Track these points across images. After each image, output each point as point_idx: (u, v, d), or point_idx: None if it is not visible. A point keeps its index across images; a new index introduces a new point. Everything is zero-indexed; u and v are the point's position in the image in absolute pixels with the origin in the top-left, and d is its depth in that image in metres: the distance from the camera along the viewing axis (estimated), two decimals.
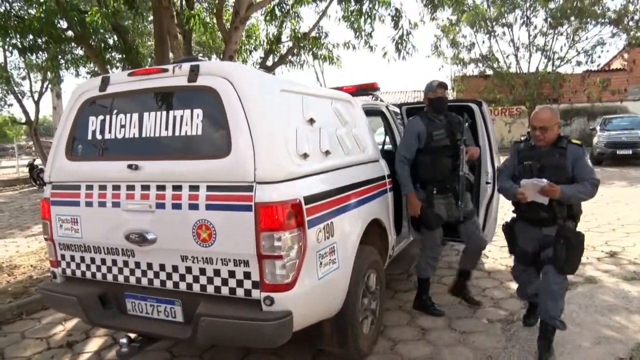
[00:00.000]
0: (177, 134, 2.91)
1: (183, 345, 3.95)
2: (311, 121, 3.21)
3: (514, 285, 5.04)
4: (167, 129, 2.95)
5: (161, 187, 2.92)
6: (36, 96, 19.59)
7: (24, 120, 20.46)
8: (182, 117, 2.90)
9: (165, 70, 3.01)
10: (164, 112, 2.98)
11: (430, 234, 4.36)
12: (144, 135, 3.03)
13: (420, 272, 4.50)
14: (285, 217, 2.65)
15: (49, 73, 16.44)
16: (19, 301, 5.04)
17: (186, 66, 2.91)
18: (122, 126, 3.12)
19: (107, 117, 3.20)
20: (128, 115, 3.11)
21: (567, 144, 3.44)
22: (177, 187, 2.87)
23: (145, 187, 2.97)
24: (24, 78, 19.37)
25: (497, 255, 6.26)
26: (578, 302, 4.57)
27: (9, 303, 4.98)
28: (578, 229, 3.51)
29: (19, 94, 18.79)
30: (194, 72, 2.87)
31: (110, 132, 3.17)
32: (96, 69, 11.39)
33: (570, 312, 4.32)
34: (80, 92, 3.35)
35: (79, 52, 10.36)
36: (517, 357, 3.60)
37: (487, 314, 4.40)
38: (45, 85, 19.30)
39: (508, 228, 3.84)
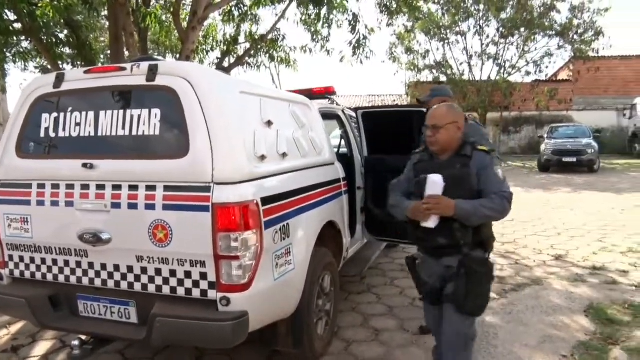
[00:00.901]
0: (134, 133, 2.88)
1: (136, 347, 3.91)
2: (269, 123, 3.24)
3: None
4: (124, 128, 2.92)
5: (117, 187, 2.88)
6: None
7: None
8: (139, 116, 2.88)
9: (123, 69, 2.98)
10: (121, 111, 2.94)
11: None
12: (99, 134, 2.99)
13: None
14: (243, 218, 2.67)
15: None
16: None
17: (145, 65, 2.89)
18: (77, 124, 3.06)
19: (61, 114, 3.13)
20: (83, 114, 3.05)
21: (472, 151, 2.74)
22: (133, 187, 2.84)
23: (101, 187, 2.93)
24: None
25: None
26: (525, 303, 4.77)
27: None
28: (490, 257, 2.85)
29: None
30: (152, 72, 2.85)
31: (64, 130, 3.10)
32: (45, 63, 11.06)
33: (517, 312, 4.51)
34: (33, 88, 3.27)
35: (27, 45, 10.02)
36: None
37: None
38: None
39: (411, 261, 3.03)
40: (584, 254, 6.53)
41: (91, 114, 3.04)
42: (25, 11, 6.89)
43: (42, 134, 3.19)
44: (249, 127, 3.00)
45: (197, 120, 2.71)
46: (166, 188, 2.76)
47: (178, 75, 2.81)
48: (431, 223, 2.63)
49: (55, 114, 3.16)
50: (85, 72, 3.13)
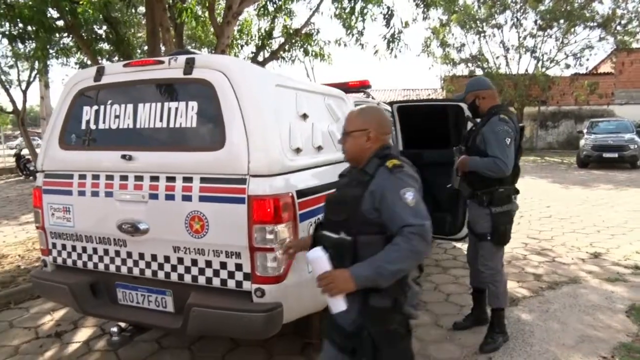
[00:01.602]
0: (171, 125, 2.93)
1: (171, 336, 3.98)
2: (304, 116, 3.25)
3: None
4: (161, 120, 2.97)
5: (155, 178, 2.94)
6: (24, 85, 19.39)
7: (10, 109, 20.23)
8: (177, 109, 2.92)
9: (161, 62, 3.03)
10: (159, 104, 2.99)
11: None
12: (138, 126, 3.05)
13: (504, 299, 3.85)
14: (278, 211, 2.68)
15: (37, 62, 16.27)
16: (6, 290, 5.04)
17: (182, 58, 2.94)
18: (117, 116, 3.13)
19: (102, 107, 3.21)
20: (122, 106, 3.13)
21: (377, 167, 2.09)
22: (170, 179, 2.89)
23: (139, 178, 3.00)
24: (11, 67, 19.16)
25: None
26: (562, 301, 4.66)
27: None
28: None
29: (6, 83, 18.59)
30: (189, 65, 2.89)
31: (104, 122, 3.18)
32: (85, 59, 11.32)
33: (554, 310, 4.41)
34: (75, 82, 3.36)
35: (68, 41, 10.28)
36: (502, 354, 3.66)
37: None
38: (33, 75, 19.10)
39: None
40: (625, 253, 6.33)
41: (130, 107, 3.10)
42: (67, 8, 7.07)
43: (83, 126, 3.28)
44: (285, 120, 3.01)
45: (234, 113, 2.73)
46: (202, 180, 2.79)
47: (215, 68, 2.84)
48: (341, 306, 1.98)
49: (95, 107, 3.24)
50: (125, 65, 3.19)
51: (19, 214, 10.50)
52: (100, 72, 3.25)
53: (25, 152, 18.90)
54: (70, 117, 3.35)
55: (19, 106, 19.64)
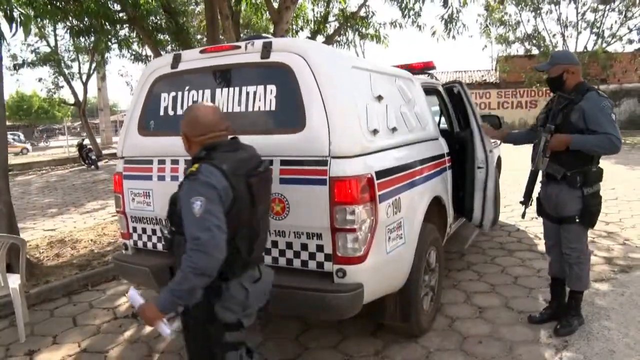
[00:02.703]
0: (250, 109, 2.97)
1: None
2: (379, 98, 3.23)
3: None
4: (239, 104, 3.01)
5: None
6: (84, 78, 20.16)
7: (72, 101, 21.12)
8: (255, 92, 2.95)
9: (238, 47, 3.06)
10: (237, 88, 3.03)
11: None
12: None
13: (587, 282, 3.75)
14: (359, 192, 2.69)
15: (96, 55, 16.86)
16: (84, 273, 5.28)
17: (259, 43, 2.96)
18: (194, 102, 3.20)
19: (179, 93, 3.28)
20: (200, 92, 3.19)
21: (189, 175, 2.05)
22: None
23: None
24: (73, 60, 19.94)
25: None
26: (638, 285, 4.48)
27: (75, 275, 5.22)
28: None
29: (68, 76, 19.38)
30: (267, 49, 2.91)
31: (182, 108, 3.25)
32: (140, 50, 11.60)
33: (630, 294, 4.26)
34: (152, 69, 3.45)
35: (126, 33, 10.56)
36: (578, 337, 3.57)
37: (543, 295, 4.36)
38: (92, 67, 19.83)
39: None
40: None
41: (207, 92, 3.16)
42: (129, 1, 7.28)
43: (162, 113, 3.36)
44: (362, 101, 3.00)
45: (313, 95, 2.74)
46: (283, 162, 2.82)
47: (292, 52, 2.85)
48: (164, 331, 2.05)
49: (173, 93, 3.31)
50: (201, 51, 3.25)
51: (85, 201, 10.99)
52: (177, 59, 3.32)
53: (86, 141, 19.69)
54: (149, 104, 3.44)
55: (80, 98, 20.49)
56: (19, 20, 3.58)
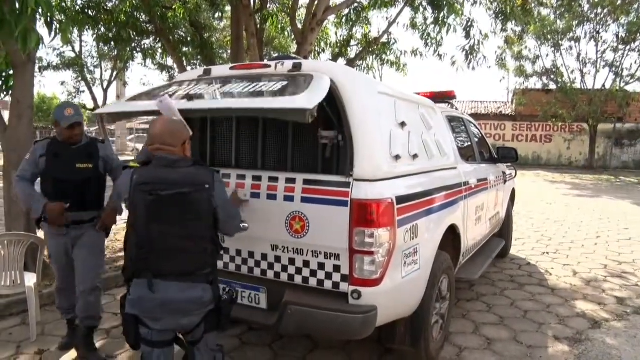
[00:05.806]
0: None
1: (252, 333, 4.08)
2: (402, 124, 3.28)
3: (579, 304, 4.98)
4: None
5: (257, 178, 3.05)
6: (105, 84, 20.50)
7: (91, 106, 21.42)
8: None
9: (268, 66, 3.13)
10: None
11: None
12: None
13: None
14: (380, 215, 2.72)
15: (119, 62, 17.15)
16: None
17: (289, 63, 3.03)
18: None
19: None
20: None
21: None
22: (273, 179, 2.99)
23: (241, 177, 3.11)
24: (96, 66, 20.30)
25: (560, 273, 6.16)
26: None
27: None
28: None
29: (90, 81, 19.71)
30: (296, 69, 2.97)
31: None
32: (163, 61, 11.77)
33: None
34: (183, 80, 3.52)
35: (149, 43, 10.76)
36: None
37: (552, 331, 4.34)
38: (114, 74, 20.17)
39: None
40: None
41: None
42: (158, 13, 7.45)
43: None
44: (386, 126, 3.05)
45: (340, 117, 2.80)
46: (305, 182, 2.87)
47: (321, 73, 2.91)
48: None
49: None
50: (231, 68, 3.33)
51: None
52: (207, 73, 3.39)
53: None
54: None
55: (99, 103, 20.77)
56: (57, 26, 3.70)
